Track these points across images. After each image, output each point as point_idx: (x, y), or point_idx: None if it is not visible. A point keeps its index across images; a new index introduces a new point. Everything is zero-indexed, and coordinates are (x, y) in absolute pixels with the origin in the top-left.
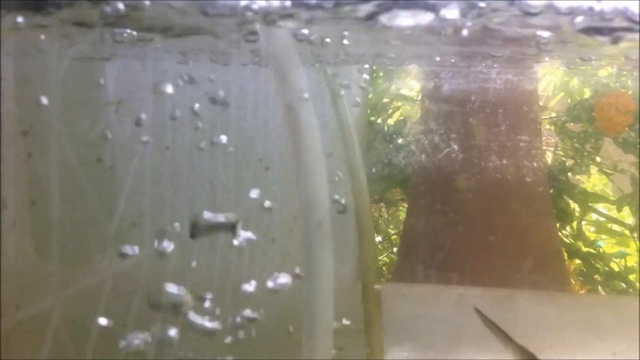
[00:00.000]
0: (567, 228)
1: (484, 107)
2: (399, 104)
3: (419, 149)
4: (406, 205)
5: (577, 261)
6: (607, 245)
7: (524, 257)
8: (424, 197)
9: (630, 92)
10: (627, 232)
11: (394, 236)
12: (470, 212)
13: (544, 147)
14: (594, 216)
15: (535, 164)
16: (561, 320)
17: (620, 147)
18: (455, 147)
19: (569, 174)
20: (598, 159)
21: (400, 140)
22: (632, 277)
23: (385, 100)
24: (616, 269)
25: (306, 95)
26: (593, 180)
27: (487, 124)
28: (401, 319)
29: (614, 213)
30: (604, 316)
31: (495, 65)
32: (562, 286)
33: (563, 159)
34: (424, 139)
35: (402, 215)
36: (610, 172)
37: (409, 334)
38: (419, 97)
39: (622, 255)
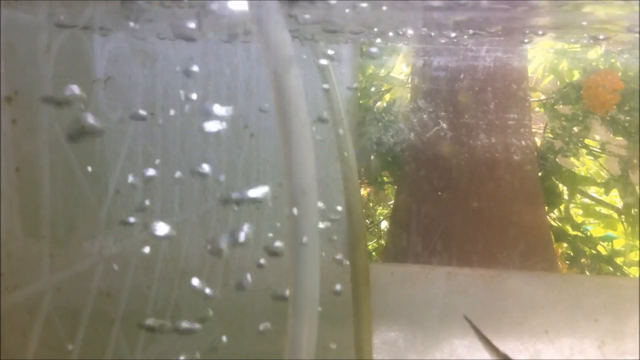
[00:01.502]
0: (555, 211)
1: (473, 85)
2: (389, 86)
3: (407, 128)
4: (395, 188)
5: (564, 245)
6: (594, 228)
7: (513, 238)
8: (413, 177)
9: (619, 73)
10: (614, 214)
11: (383, 220)
12: (459, 191)
13: (533, 130)
14: (581, 201)
15: (524, 143)
16: (548, 299)
17: (609, 129)
18: (444, 125)
19: (558, 156)
20: (587, 141)
21: (389, 119)
22: (618, 260)
23: (375, 82)
24: (603, 252)
25: (292, 60)
26: (587, 163)
27: (476, 102)
28: (390, 298)
29: (601, 195)
30: (591, 296)
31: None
32: (550, 267)
33: (552, 140)
34: (413, 118)
35: (391, 197)
36: (598, 154)
37: (398, 313)
38: (409, 79)
39: (609, 239)
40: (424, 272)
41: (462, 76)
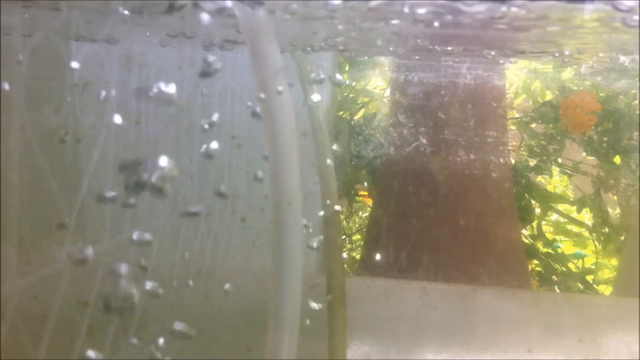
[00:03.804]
0: (527, 228)
1: (454, 102)
2: (366, 99)
3: (386, 142)
4: (370, 203)
5: (535, 261)
6: (563, 246)
7: (488, 254)
8: (390, 190)
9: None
10: (585, 233)
11: (356, 235)
12: (436, 206)
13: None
14: (553, 217)
15: (501, 160)
16: (521, 316)
17: (583, 148)
18: (424, 140)
19: (532, 173)
20: (560, 160)
21: (367, 133)
22: (589, 277)
23: (351, 95)
24: (574, 269)
25: (281, 70)
26: (554, 182)
27: (455, 119)
28: (364, 312)
29: (572, 214)
30: (564, 313)
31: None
32: (524, 283)
33: (526, 158)
34: (393, 132)
35: (366, 212)
36: (571, 173)
37: (372, 327)
38: (387, 92)
39: (579, 257)
40: (398, 286)
41: (442, 92)
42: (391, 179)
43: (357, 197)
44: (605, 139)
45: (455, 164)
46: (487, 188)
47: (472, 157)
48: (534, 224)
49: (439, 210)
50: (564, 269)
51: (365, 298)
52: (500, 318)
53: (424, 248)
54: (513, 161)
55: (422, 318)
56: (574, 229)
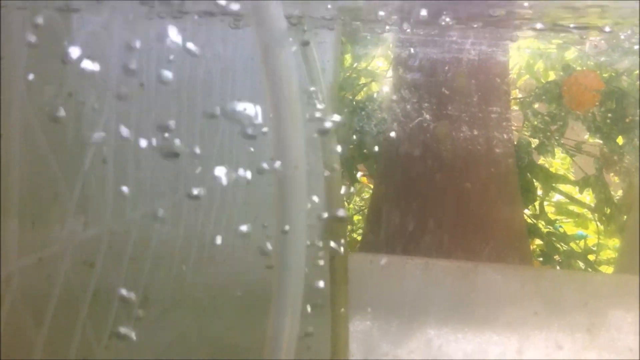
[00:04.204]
0: (529, 208)
1: (457, 77)
2: (368, 80)
3: (390, 118)
4: (370, 185)
5: (538, 241)
6: (566, 227)
7: (490, 231)
8: (393, 167)
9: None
10: (587, 213)
11: (356, 216)
12: (439, 183)
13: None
14: (555, 199)
15: (505, 136)
16: (523, 292)
17: (586, 127)
18: (427, 116)
19: (535, 154)
20: (562, 140)
21: (370, 109)
22: (591, 257)
23: (354, 76)
24: (576, 249)
25: (286, 34)
26: (555, 164)
27: (459, 94)
28: (366, 288)
29: (574, 194)
30: (565, 290)
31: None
32: (526, 261)
33: (529, 138)
34: (396, 108)
35: (367, 194)
36: (574, 153)
37: (374, 303)
38: (390, 72)
39: (581, 238)
40: (401, 263)
41: (446, 68)
42: (394, 155)
43: (358, 179)
44: (608, 116)
45: (459, 140)
46: (490, 164)
47: (475, 132)
48: (536, 204)
49: (441, 187)
50: (566, 248)
51: (368, 274)
52: (502, 294)
53: (426, 225)
54: (515, 142)
55: (424, 294)
56: (576, 210)
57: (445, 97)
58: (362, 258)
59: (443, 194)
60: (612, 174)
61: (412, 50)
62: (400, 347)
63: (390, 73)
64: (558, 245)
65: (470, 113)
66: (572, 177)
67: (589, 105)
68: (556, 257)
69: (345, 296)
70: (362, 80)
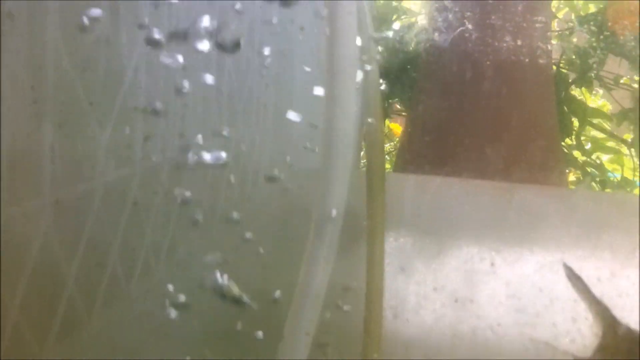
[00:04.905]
0: (565, 141)
1: None
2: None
3: (431, 27)
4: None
5: (573, 170)
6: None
7: (527, 154)
8: (432, 83)
9: None
10: (624, 149)
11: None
12: (478, 99)
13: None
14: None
15: (548, 46)
16: (560, 213)
17: (626, 61)
18: (469, 26)
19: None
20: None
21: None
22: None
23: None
24: (612, 180)
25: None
26: (588, 99)
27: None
28: (401, 207)
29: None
30: (602, 211)
31: None
32: (562, 183)
33: (566, 72)
34: (438, 16)
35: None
36: (611, 87)
37: (409, 221)
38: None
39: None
40: (436, 182)
41: None
42: (434, 67)
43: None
44: None
45: (501, 51)
46: (530, 83)
47: (518, 42)
48: (572, 136)
49: (480, 105)
50: (602, 178)
51: (403, 193)
52: (537, 215)
53: (463, 144)
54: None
55: (459, 213)
56: (612, 144)
57: (489, 6)
58: (397, 177)
59: (482, 113)
60: None
61: None
62: (434, 265)
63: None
64: (595, 174)
65: (514, 23)
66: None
67: (632, 27)
68: (593, 184)
69: (383, 214)
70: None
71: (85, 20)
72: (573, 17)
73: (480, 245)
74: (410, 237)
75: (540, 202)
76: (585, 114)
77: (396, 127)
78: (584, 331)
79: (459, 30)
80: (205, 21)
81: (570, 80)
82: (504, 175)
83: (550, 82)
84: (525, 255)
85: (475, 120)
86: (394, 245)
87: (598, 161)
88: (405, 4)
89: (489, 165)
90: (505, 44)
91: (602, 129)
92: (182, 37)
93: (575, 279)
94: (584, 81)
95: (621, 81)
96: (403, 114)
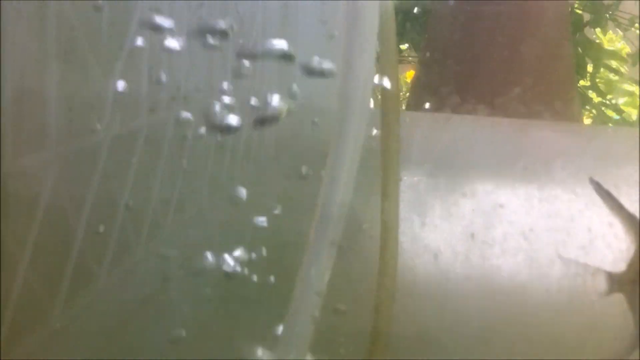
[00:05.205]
0: (581, 81)
1: None
2: None
3: None
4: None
5: (589, 109)
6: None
7: (543, 91)
8: (445, 22)
9: None
10: (637, 91)
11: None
12: (493, 38)
13: None
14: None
15: None
16: (575, 148)
17: None
18: None
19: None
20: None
21: None
22: None
23: None
24: (628, 119)
25: None
26: (604, 40)
27: None
28: (415, 145)
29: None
30: (616, 145)
31: None
32: (574, 119)
33: (581, 14)
34: None
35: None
36: (626, 27)
37: (422, 159)
38: None
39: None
40: (450, 120)
41: None
42: (447, 5)
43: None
44: None
45: None
46: (546, 19)
47: None
48: (587, 77)
49: (496, 41)
50: (617, 117)
51: (416, 131)
52: (552, 150)
53: (477, 81)
54: None
55: (473, 150)
56: (626, 86)
57: None
58: (410, 116)
59: (498, 50)
60: None
61: None
62: (448, 202)
63: None
64: (610, 114)
65: None
66: (624, 54)
67: None
68: (609, 124)
69: (397, 151)
70: None
71: None
72: None
73: (493, 181)
74: (424, 174)
75: (555, 137)
76: (599, 55)
77: (409, 74)
78: (621, 235)
79: None
80: None
81: (584, 22)
82: (520, 112)
83: (566, 18)
84: (541, 192)
85: (490, 56)
86: (407, 182)
87: (614, 101)
88: None
89: (504, 104)
90: None
91: (616, 71)
92: None
93: (604, 194)
94: (599, 22)
95: (636, 23)
96: (411, 60)
